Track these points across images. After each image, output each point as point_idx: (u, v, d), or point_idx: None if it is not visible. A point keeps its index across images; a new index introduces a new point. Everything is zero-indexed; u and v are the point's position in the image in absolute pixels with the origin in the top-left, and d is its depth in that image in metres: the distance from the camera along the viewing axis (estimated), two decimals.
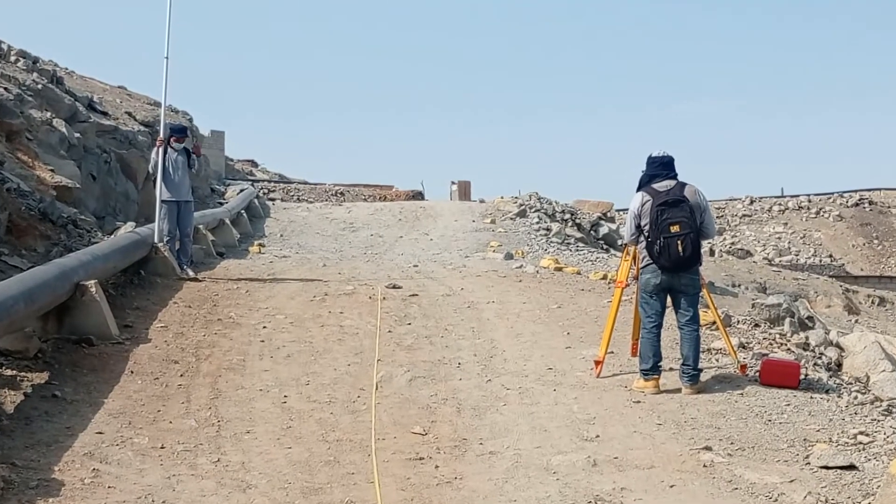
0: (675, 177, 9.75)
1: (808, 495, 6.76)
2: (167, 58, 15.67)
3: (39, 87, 21.04)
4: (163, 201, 15.75)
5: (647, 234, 9.57)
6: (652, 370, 9.64)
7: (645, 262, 9.72)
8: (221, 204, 27.99)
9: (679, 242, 9.38)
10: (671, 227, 9.39)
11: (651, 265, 9.63)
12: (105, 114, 25.10)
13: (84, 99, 24.20)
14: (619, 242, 28.28)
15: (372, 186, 45.05)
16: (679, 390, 9.57)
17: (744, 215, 53.78)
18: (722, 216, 52.40)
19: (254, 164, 51.61)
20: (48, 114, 19.87)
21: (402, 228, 26.85)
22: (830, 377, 10.52)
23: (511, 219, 27.99)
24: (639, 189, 9.88)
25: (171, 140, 16.00)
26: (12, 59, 23.02)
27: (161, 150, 15.78)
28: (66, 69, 31.83)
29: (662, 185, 9.64)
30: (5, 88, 18.91)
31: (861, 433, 8.18)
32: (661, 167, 9.78)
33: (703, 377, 9.80)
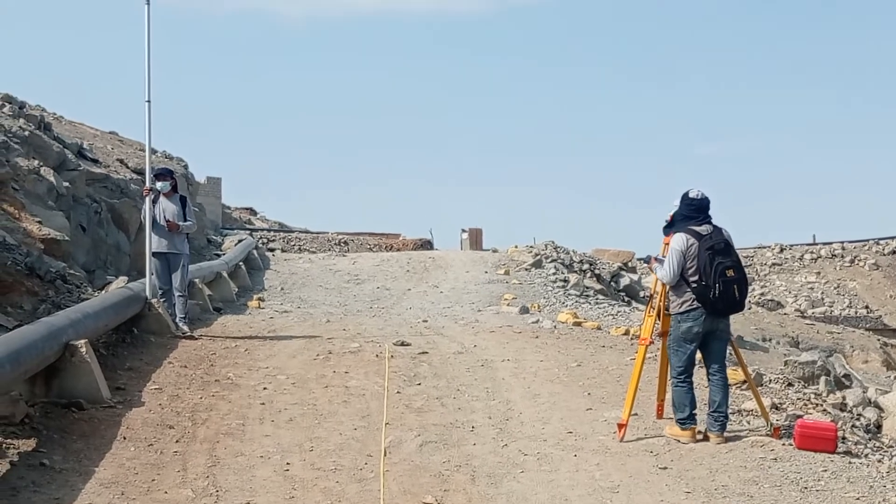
0: (710, 221, 10.02)
1: None
2: (149, 101, 15.71)
3: (26, 133, 21.13)
4: (152, 254, 15.76)
5: (696, 278, 9.76)
6: (689, 419, 9.87)
7: (686, 308, 9.86)
8: (218, 255, 28.03)
9: (735, 287, 9.73)
10: (727, 272, 9.70)
11: (694, 311, 9.82)
12: (95, 161, 25.20)
13: (73, 146, 24.29)
14: (642, 294, 28.25)
15: (377, 235, 45.16)
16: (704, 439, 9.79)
17: (773, 264, 53.70)
18: (751, 265, 52.28)
19: (252, 212, 51.79)
20: (35, 162, 19.94)
21: (410, 280, 26.87)
22: (870, 440, 10.47)
23: (526, 269, 27.99)
24: (669, 226, 10.17)
25: (156, 182, 16.01)
26: None
27: (150, 198, 15.80)
28: (55, 114, 32.00)
29: (703, 229, 9.89)
30: None
31: None
32: (697, 211, 10.06)
33: (736, 441, 9.80)
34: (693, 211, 10.01)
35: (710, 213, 10.07)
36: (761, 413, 10.35)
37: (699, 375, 10.36)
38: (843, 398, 12.23)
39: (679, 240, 9.90)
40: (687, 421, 9.87)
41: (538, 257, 29.37)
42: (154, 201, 15.87)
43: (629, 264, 34.79)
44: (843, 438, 10.08)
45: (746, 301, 10.31)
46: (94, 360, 11.00)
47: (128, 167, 27.82)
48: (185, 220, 16.01)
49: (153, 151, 16.70)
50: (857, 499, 8.25)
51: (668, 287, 10.13)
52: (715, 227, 9.95)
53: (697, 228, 9.87)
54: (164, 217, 15.84)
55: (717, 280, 9.63)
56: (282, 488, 8.57)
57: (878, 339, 34.73)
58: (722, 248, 9.77)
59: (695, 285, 9.74)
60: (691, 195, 10.05)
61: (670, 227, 10.19)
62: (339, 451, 9.65)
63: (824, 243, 55.97)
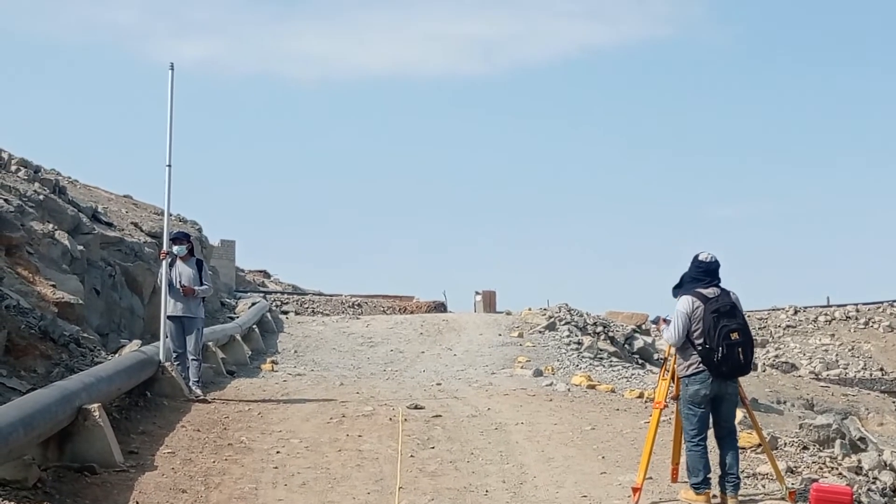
0: (718, 284, 10.02)
1: None
2: (169, 166, 15.79)
3: (41, 197, 21.27)
4: (167, 317, 15.77)
5: (701, 340, 9.74)
6: (703, 483, 9.83)
7: (693, 371, 9.85)
8: (232, 318, 28.05)
9: (739, 350, 9.69)
10: (731, 335, 9.66)
11: (700, 374, 9.80)
12: (110, 225, 25.34)
13: (88, 209, 24.45)
14: (656, 357, 28.21)
15: (391, 297, 45.17)
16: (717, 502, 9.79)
17: (787, 326, 53.50)
18: (764, 327, 52.12)
19: (266, 274, 51.88)
20: (50, 226, 20.06)
21: (423, 343, 26.85)
22: (886, 503, 10.40)
23: (540, 332, 27.98)
24: (678, 287, 10.22)
25: (173, 246, 16.03)
26: (13, 168, 23.35)
27: (167, 262, 15.83)
28: (69, 178, 32.21)
29: (709, 292, 9.89)
30: (5, 200, 19.13)
31: None
32: (705, 273, 10.08)
33: None
34: (701, 273, 10.04)
35: (721, 276, 10.10)
36: (776, 477, 10.30)
37: (712, 439, 10.31)
38: (859, 461, 12.15)
39: (685, 302, 9.91)
40: (701, 485, 9.82)
41: (552, 320, 29.37)
42: (171, 265, 15.90)
43: (643, 327, 34.78)
44: (859, 502, 10.01)
45: (753, 364, 10.30)
46: (106, 423, 10.99)
47: (142, 230, 27.97)
48: (202, 284, 16.04)
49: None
50: None
51: (675, 350, 10.13)
52: (722, 290, 9.96)
53: (704, 291, 9.89)
54: (180, 281, 15.88)
55: (720, 343, 9.62)
56: None
57: (894, 402, 34.49)
58: (727, 310, 9.76)
59: (700, 348, 9.74)
60: (701, 258, 10.09)
61: (679, 289, 10.22)
62: None
63: (838, 305, 55.75)
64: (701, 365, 9.75)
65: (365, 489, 10.51)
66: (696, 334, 9.78)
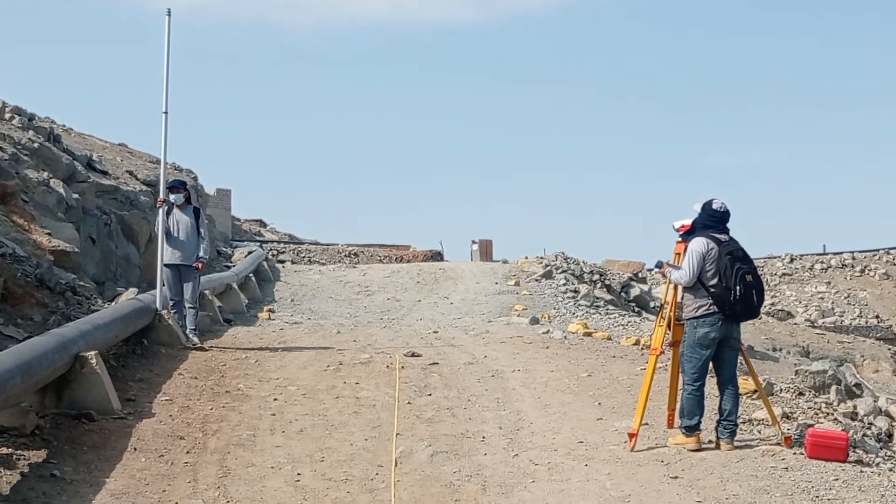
0: (727, 232, 10.13)
1: None
2: (166, 113, 15.65)
3: (36, 145, 21.17)
4: (165, 265, 15.76)
5: (715, 281, 9.84)
6: (696, 427, 9.98)
7: (703, 312, 9.93)
8: (228, 267, 28.00)
9: (754, 292, 9.83)
10: (746, 277, 9.79)
11: (711, 316, 9.89)
12: (105, 173, 25.22)
13: (83, 158, 24.32)
14: (652, 305, 28.24)
15: (388, 247, 45.11)
16: (711, 447, 9.97)
17: (784, 274, 53.57)
18: (761, 275, 51.93)
19: (262, 224, 51.77)
20: (45, 174, 19.97)
21: (420, 292, 26.84)
22: (881, 449, 10.44)
23: (536, 280, 27.97)
24: (688, 234, 10.33)
25: (170, 195, 15.96)
26: (7, 116, 23.19)
27: (164, 210, 15.78)
28: (64, 126, 32.05)
29: (721, 237, 9.99)
30: (0, 148, 19.04)
31: None
32: (717, 221, 10.16)
33: (747, 450, 9.83)
34: (714, 221, 10.09)
35: (729, 225, 10.13)
36: (772, 422, 10.34)
37: (709, 385, 10.34)
38: (854, 407, 12.20)
39: (700, 243, 9.94)
40: (694, 428, 9.96)
41: (548, 268, 29.36)
42: (167, 213, 15.85)
43: (639, 275, 34.80)
44: (854, 447, 10.06)
45: (761, 309, 10.40)
46: (104, 371, 11.00)
47: (137, 179, 27.85)
48: (199, 232, 15.94)
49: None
50: None
51: (682, 292, 10.15)
52: (731, 237, 10.04)
53: (717, 235, 9.95)
54: (178, 230, 15.80)
55: (737, 283, 9.72)
56: (292, 499, 8.56)
57: (889, 349, 34.67)
58: (741, 254, 9.89)
59: (713, 289, 9.79)
60: (714, 206, 10.12)
61: (688, 235, 10.24)
62: (350, 462, 9.64)
63: (834, 253, 55.83)
64: (712, 307, 9.84)
65: (362, 435, 10.55)
66: (709, 275, 9.86)
